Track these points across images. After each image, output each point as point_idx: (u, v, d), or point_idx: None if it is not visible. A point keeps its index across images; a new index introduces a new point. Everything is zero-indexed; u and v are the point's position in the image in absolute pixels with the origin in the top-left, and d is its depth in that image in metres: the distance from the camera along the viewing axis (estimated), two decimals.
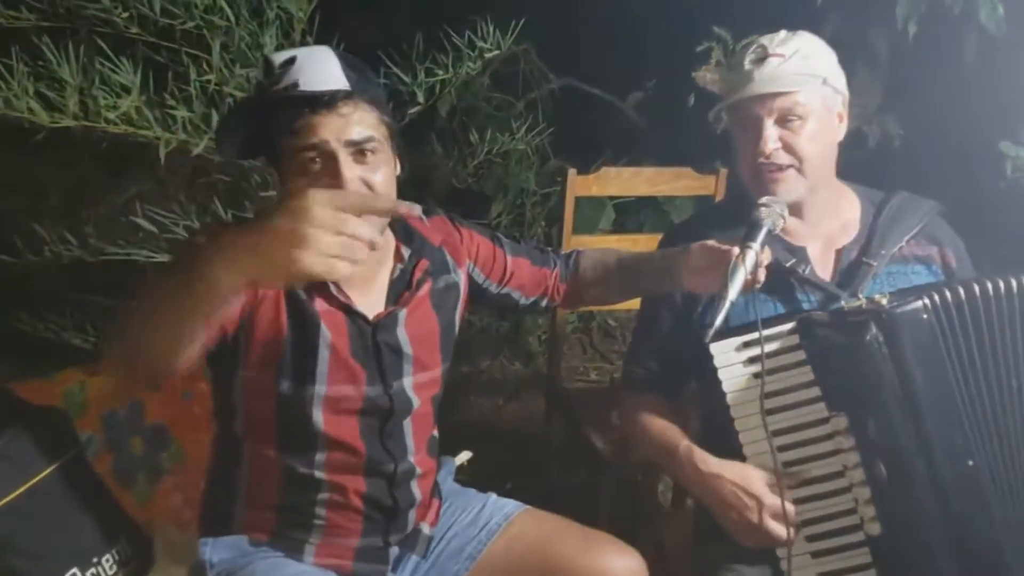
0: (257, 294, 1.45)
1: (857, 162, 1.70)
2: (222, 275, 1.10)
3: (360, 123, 1.41)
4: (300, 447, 1.54)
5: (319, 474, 1.55)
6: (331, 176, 1.40)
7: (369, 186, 1.42)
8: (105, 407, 1.99)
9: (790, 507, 1.53)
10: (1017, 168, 2.61)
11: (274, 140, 1.44)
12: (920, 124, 3.09)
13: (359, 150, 1.41)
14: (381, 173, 1.44)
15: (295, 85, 1.39)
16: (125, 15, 2.16)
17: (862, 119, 3.10)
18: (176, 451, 2.09)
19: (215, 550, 1.60)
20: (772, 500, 1.53)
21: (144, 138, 2.18)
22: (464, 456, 1.97)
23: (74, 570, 1.72)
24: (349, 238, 1.06)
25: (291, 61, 1.41)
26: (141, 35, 2.21)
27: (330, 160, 1.40)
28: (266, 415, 1.52)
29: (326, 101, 1.39)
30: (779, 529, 1.53)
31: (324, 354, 1.49)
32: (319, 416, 1.51)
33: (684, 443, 1.63)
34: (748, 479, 1.55)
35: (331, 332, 1.50)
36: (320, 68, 1.41)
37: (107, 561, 1.74)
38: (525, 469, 2.88)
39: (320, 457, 1.54)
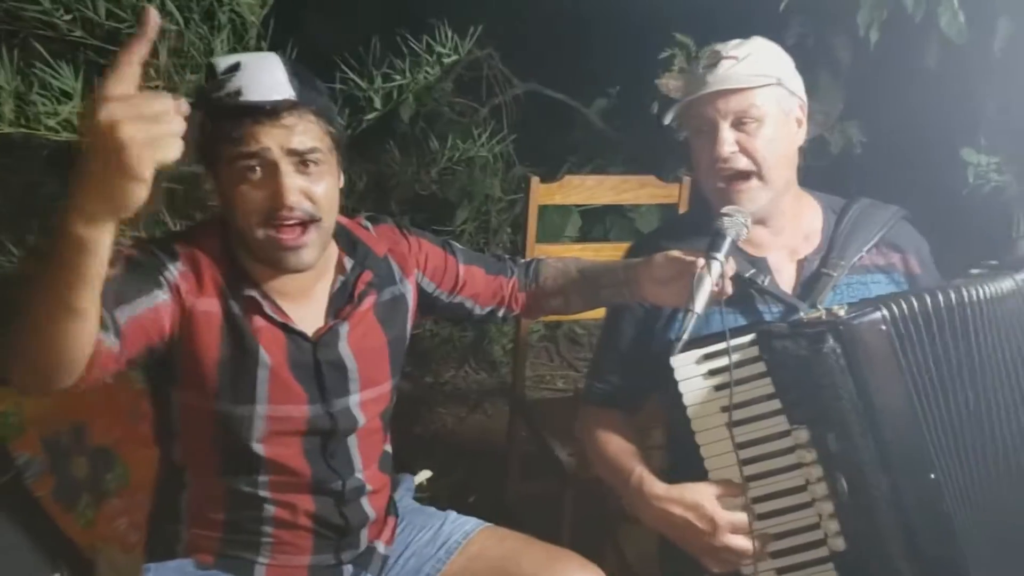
0: (185, 309, 1.41)
1: (820, 169, 1.68)
2: (79, 228, 1.03)
3: (304, 133, 1.39)
4: (242, 469, 1.49)
5: (264, 493, 1.50)
6: (272, 185, 1.38)
7: (311, 197, 1.40)
8: (46, 428, 1.93)
9: (745, 518, 1.49)
10: (979, 175, 2.62)
11: (214, 146, 1.40)
12: (882, 131, 3.10)
13: (302, 160, 1.39)
14: (323, 185, 1.42)
15: (238, 93, 1.36)
16: (68, 18, 2.09)
17: (824, 126, 3.09)
18: (121, 472, 2.03)
19: (160, 575, 1.54)
20: (727, 518, 1.49)
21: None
22: (423, 475, 1.93)
23: None
24: (153, 116, 0.99)
25: (235, 67, 1.38)
26: (85, 39, 2.15)
27: (271, 169, 1.38)
28: (205, 438, 1.48)
29: (269, 111, 1.36)
30: (742, 543, 1.49)
31: (263, 375, 1.45)
32: (259, 438, 1.47)
33: (636, 471, 1.59)
34: (698, 503, 1.51)
35: (269, 353, 1.46)
36: (265, 76, 1.39)
37: None
38: (488, 481, 2.86)
39: (263, 478, 1.50)
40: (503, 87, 3.93)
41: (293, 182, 1.38)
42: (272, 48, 2.39)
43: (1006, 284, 1.50)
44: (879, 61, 2.77)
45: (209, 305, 1.43)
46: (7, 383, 1.19)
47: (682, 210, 2.57)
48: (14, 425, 1.87)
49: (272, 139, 1.37)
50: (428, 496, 1.87)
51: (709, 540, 1.50)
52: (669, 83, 2.97)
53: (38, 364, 1.17)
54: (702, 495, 1.51)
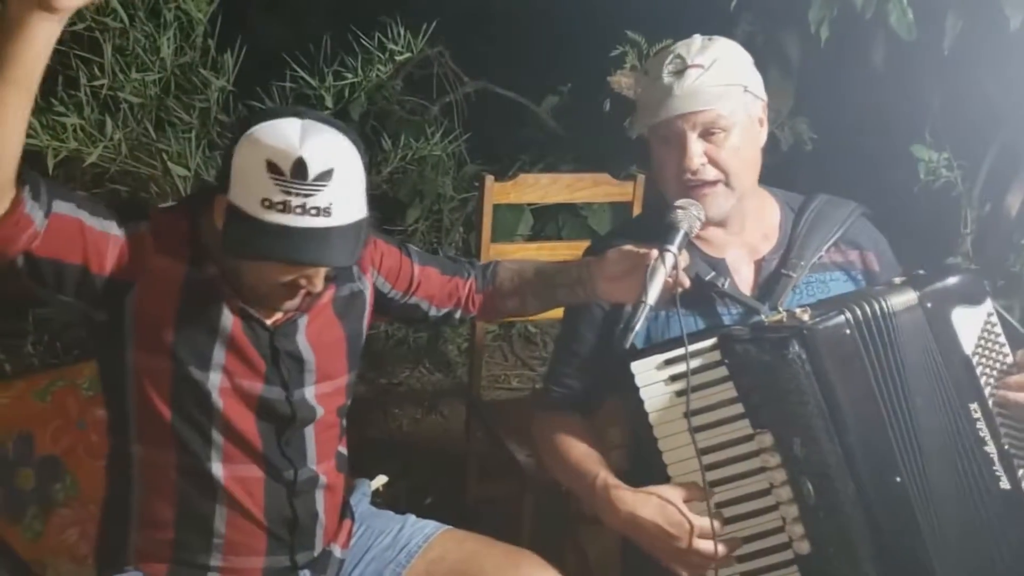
0: (143, 263, 1.40)
1: (769, 166, 1.68)
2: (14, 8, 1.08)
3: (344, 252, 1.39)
4: (196, 445, 1.48)
5: (216, 472, 1.48)
6: (298, 280, 1.41)
7: (325, 278, 1.45)
8: None
9: (716, 524, 1.48)
10: (930, 171, 2.66)
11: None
12: (832, 127, 3.13)
13: None
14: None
15: (327, 211, 1.32)
16: None
17: (774, 123, 3.11)
18: (71, 483, 1.98)
19: None
20: (697, 522, 1.49)
21: (31, 147, 2.06)
22: (380, 480, 1.91)
23: None
24: None
25: (327, 176, 1.31)
26: None
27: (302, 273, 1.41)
28: (160, 408, 1.46)
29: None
30: (711, 548, 1.49)
31: (222, 342, 1.45)
32: (216, 407, 1.46)
33: (601, 475, 1.58)
34: (666, 507, 1.50)
35: (231, 324, 1.46)
36: (354, 195, 1.36)
37: None
38: (446, 483, 2.84)
39: (216, 457, 1.48)
40: (454, 85, 3.90)
41: (320, 280, 1.43)
42: (220, 46, 2.36)
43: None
44: (828, 58, 2.80)
45: (171, 265, 1.43)
46: None
47: (636, 208, 2.57)
48: None
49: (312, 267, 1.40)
50: (385, 500, 1.86)
51: (678, 544, 1.49)
52: (621, 81, 2.97)
53: None
54: (668, 501, 1.50)
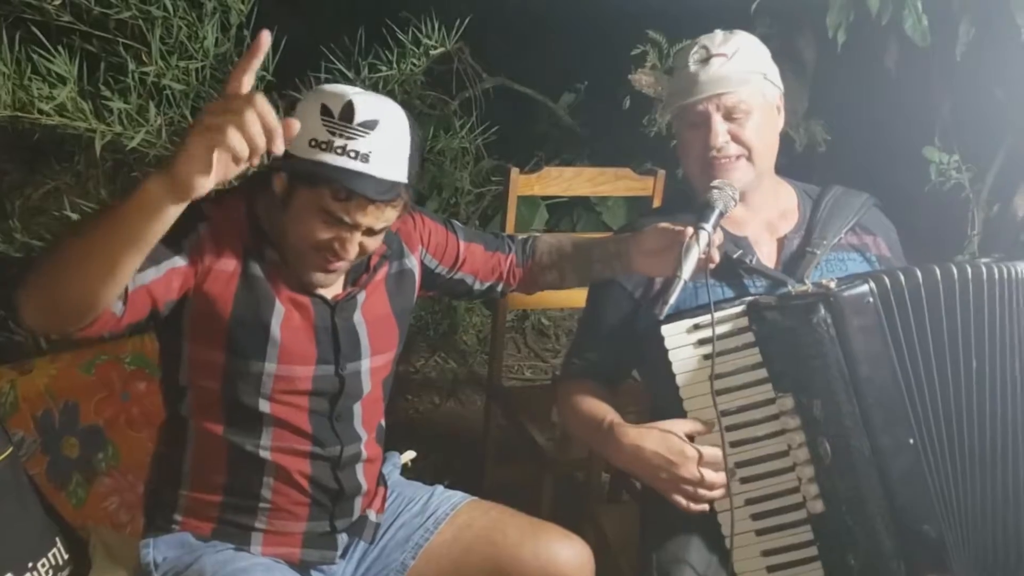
0: (202, 269, 1.46)
1: (784, 166, 1.76)
2: (152, 185, 1.12)
3: (393, 210, 1.46)
4: (247, 425, 1.54)
5: (264, 454, 1.54)
6: (340, 237, 1.45)
7: (365, 249, 1.48)
8: (38, 408, 1.92)
9: (718, 452, 1.54)
10: (940, 173, 2.70)
11: (308, 175, 1.42)
12: (845, 129, 3.18)
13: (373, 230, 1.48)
14: (380, 239, 1.51)
15: (366, 157, 1.38)
16: (56, 2, 2.09)
17: (789, 124, 3.15)
18: (112, 452, 2.03)
19: (158, 549, 1.58)
20: (695, 451, 1.55)
21: (76, 130, 2.11)
22: (409, 455, 1.96)
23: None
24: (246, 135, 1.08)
25: (373, 125, 1.39)
26: (74, 24, 2.14)
27: (349, 230, 1.45)
28: (213, 392, 1.52)
29: (380, 202, 1.42)
30: (710, 475, 1.55)
31: (276, 333, 1.50)
32: (266, 394, 1.52)
33: (608, 419, 1.65)
34: (667, 439, 1.57)
35: (286, 311, 1.51)
36: (394, 151, 1.41)
37: (43, 566, 1.67)
38: (464, 468, 2.88)
39: (266, 437, 1.54)
40: (473, 81, 3.95)
41: (358, 242, 1.46)
42: (253, 36, 2.41)
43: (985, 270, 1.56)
44: (843, 61, 2.85)
45: (227, 264, 1.48)
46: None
47: (656, 202, 2.62)
48: (8, 403, 1.87)
49: (366, 219, 1.43)
50: (412, 477, 1.90)
51: (678, 472, 1.55)
52: (642, 79, 3.02)
53: (60, 306, 1.24)
54: (670, 433, 1.57)
